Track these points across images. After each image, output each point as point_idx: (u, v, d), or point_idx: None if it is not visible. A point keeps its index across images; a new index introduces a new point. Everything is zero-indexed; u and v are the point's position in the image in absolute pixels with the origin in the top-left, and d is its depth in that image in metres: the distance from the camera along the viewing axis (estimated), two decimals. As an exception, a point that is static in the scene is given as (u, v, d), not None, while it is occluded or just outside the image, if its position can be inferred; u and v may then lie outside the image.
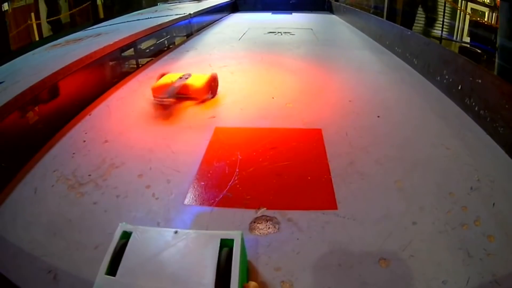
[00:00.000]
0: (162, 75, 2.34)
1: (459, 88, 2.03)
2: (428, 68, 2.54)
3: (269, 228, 1.15)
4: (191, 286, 0.78)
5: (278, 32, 4.64)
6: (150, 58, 3.45)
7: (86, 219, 1.21)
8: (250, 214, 1.20)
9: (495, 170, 1.43)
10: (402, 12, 4.24)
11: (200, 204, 1.27)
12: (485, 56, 2.87)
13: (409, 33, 3.06)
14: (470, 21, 3.40)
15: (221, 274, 0.80)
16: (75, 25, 5.28)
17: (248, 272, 0.97)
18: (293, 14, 6.86)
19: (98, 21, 4.75)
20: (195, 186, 1.36)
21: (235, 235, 0.88)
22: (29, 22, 5.13)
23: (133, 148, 1.64)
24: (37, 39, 5.17)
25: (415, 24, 3.91)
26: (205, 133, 1.78)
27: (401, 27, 3.37)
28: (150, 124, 1.91)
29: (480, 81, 1.82)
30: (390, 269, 0.99)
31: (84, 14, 5.56)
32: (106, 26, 3.90)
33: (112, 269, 0.82)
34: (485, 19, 3.26)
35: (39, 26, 5.31)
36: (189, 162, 1.52)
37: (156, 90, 2.16)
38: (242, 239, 0.89)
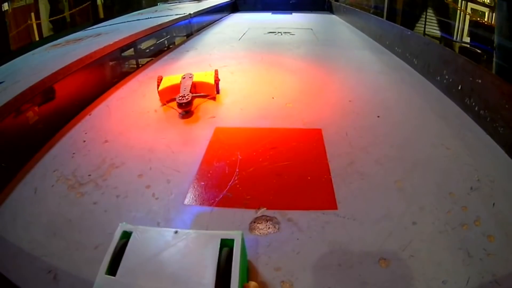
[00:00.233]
0: (161, 78, 2.25)
1: (459, 88, 2.03)
2: (428, 68, 2.54)
3: (269, 228, 1.15)
4: (191, 286, 0.78)
5: (278, 32, 4.64)
6: (150, 58, 3.45)
7: (86, 219, 1.21)
8: (250, 214, 1.20)
9: (495, 170, 1.43)
10: (402, 12, 4.24)
11: (200, 204, 1.27)
12: (485, 56, 2.88)
13: (409, 33, 3.06)
14: (470, 21, 3.41)
15: (221, 274, 0.80)
16: (75, 25, 5.29)
17: (248, 272, 0.97)
18: (293, 14, 6.86)
19: (98, 21, 4.75)
20: (195, 186, 1.36)
21: (235, 235, 0.88)
22: (29, 22, 5.14)
23: (133, 148, 1.64)
24: (37, 39, 5.18)
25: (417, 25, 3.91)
26: (205, 133, 1.78)
27: (401, 27, 3.37)
28: (150, 124, 1.91)
29: (480, 81, 1.82)
30: (390, 269, 0.99)
31: (84, 14, 5.56)
32: (106, 26, 3.90)
33: (112, 269, 0.82)
34: (485, 19, 3.26)
35: (39, 26, 5.31)
36: (189, 162, 1.52)
37: (165, 94, 2.10)
38: (243, 239, 0.89)
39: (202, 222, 1.18)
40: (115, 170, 1.48)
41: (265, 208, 1.22)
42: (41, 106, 1.75)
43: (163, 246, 0.86)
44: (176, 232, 0.89)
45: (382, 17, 4.42)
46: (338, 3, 6.93)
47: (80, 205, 1.28)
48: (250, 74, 2.79)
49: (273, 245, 1.08)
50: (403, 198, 1.28)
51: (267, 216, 1.19)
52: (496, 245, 1.06)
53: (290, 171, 1.44)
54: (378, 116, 1.93)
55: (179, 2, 6.91)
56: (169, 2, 7.16)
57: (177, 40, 4.41)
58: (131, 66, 3.29)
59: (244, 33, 4.61)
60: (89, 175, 1.45)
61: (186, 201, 1.28)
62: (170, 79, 2.22)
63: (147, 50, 3.73)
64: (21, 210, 1.26)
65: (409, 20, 4.03)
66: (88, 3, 5.35)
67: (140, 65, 3.26)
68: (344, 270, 0.99)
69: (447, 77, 2.22)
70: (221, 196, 1.29)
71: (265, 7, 7.48)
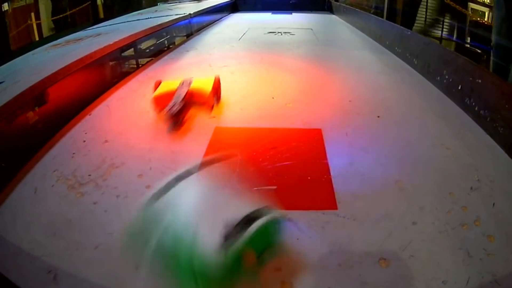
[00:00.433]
0: (159, 83, 2.06)
1: (459, 88, 2.04)
2: (428, 68, 2.54)
3: (269, 228, 1.14)
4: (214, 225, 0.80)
5: (278, 32, 4.64)
6: (150, 58, 3.45)
7: (86, 219, 1.21)
8: (250, 214, 1.20)
9: (495, 170, 1.43)
10: (402, 12, 4.25)
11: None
12: (485, 56, 2.88)
13: (409, 33, 3.06)
14: (470, 21, 3.41)
15: (238, 229, 0.80)
16: (75, 25, 5.29)
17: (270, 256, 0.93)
18: (293, 14, 6.86)
19: (98, 21, 4.76)
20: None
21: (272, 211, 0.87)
22: (29, 22, 5.14)
23: (133, 148, 1.64)
24: (37, 39, 5.18)
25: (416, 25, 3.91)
26: (205, 133, 1.78)
27: (401, 27, 3.37)
28: (150, 124, 1.91)
29: (480, 81, 1.83)
30: (390, 269, 0.99)
31: (83, 14, 5.56)
32: (106, 26, 3.90)
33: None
34: (485, 19, 3.26)
35: (39, 26, 5.31)
36: (189, 162, 1.52)
37: (158, 101, 1.88)
38: (279, 221, 0.88)
39: (202, 222, 1.18)
40: (115, 170, 1.48)
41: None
42: (41, 106, 1.75)
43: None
44: None
45: (382, 17, 4.42)
46: (338, 3, 6.93)
47: (80, 205, 1.28)
48: (250, 74, 2.78)
49: (273, 245, 1.08)
50: (403, 198, 1.28)
51: (267, 216, 1.19)
52: (496, 245, 1.06)
53: (290, 171, 1.44)
54: (378, 116, 1.93)
55: (179, 2, 6.91)
56: (169, 2, 7.17)
57: (177, 40, 4.41)
58: (131, 66, 3.29)
59: (244, 33, 4.61)
60: (89, 175, 1.44)
61: (186, 201, 1.28)
62: (168, 85, 2.00)
63: (147, 50, 3.73)
64: (21, 210, 1.26)
65: (409, 20, 4.03)
66: (88, 3, 5.35)
67: (140, 65, 3.26)
68: (344, 270, 0.99)
69: (447, 77, 2.22)
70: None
71: (265, 7, 7.48)
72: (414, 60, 2.81)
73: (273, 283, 0.95)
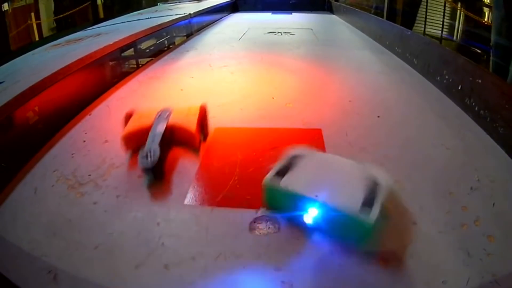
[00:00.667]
0: (130, 114, 1.59)
1: (459, 88, 2.04)
2: (428, 68, 2.54)
3: (269, 228, 1.14)
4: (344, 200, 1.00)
5: (278, 32, 4.64)
6: (150, 58, 3.45)
7: (86, 219, 1.21)
8: (250, 214, 1.20)
9: (495, 170, 1.42)
10: (402, 12, 4.25)
11: (200, 204, 1.27)
12: (485, 56, 2.88)
13: (409, 33, 3.06)
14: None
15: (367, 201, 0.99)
16: (75, 25, 5.29)
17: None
18: (293, 14, 6.86)
19: (98, 21, 4.76)
20: (195, 186, 1.36)
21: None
22: (29, 22, 5.14)
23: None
24: (37, 39, 5.18)
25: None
26: (205, 133, 1.77)
27: (401, 27, 3.37)
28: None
29: (480, 81, 1.83)
30: (390, 269, 0.99)
31: (83, 14, 5.56)
32: (106, 26, 3.90)
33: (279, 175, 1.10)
34: (485, 19, 3.26)
35: (39, 26, 5.31)
36: (189, 162, 1.52)
37: (129, 141, 1.48)
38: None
39: (202, 222, 1.18)
40: (115, 170, 1.48)
41: (265, 208, 1.22)
42: (41, 106, 1.75)
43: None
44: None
45: (382, 17, 4.42)
46: (338, 3, 6.93)
47: (80, 205, 1.28)
48: (250, 74, 2.79)
49: (273, 245, 1.08)
50: (403, 198, 1.27)
51: (267, 216, 1.19)
52: (496, 245, 1.06)
53: (290, 171, 1.44)
54: (378, 116, 1.93)
55: (179, 2, 6.91)
56: (169, 2, 7.17)
57: (177, 40, 4.41)
58: (131, 66, 3.30)
59: (244, 33, 4.61)
60: (89, 175, 1.44)
61: (186, 201, 1.28)
62: (141, 117, 1.56)
63: (147, 50, 3.73)
64: (21, 210, 1.26)
65: (409, 20, 4.04)
66: (88, 3, 5.36)
67: (140, 65, 3.27)
68: (344, 270, 0.99)
69: (447, 77, 2.22)
70: (221, 196, 1.29)
71: (265, 7, 7.48)
72: (414, 60, 2.81)
73: (273, 283, 0.95)
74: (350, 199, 1.00)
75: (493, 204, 1.23)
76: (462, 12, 3.67)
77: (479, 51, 3.19)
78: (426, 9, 3.99)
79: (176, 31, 4.34)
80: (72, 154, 1.62)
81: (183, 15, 4.40)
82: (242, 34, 4.52)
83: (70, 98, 2.02)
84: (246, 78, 2.66)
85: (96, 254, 1.05)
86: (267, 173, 1.16)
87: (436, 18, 3.97)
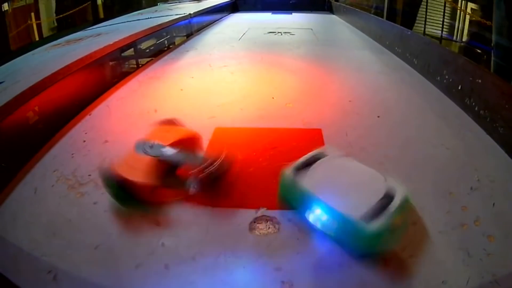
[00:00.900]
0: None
1: (459, 88, 2.03)
2: (428, 68, 2.54)
3: (269, 228, 1.15)
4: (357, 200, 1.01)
5: (278, 32, 4.64)
6: (150, 58, 3.45)
7: (86, 219, 1.21)
8: (250, 214, 1.20)
9: (495, 170, 1.42)
10: (402, 12, 4.25)
11: (200, 204, 1.27)
12: (485, 56, 2.88)
13: (409, 33, 3.06)
14: (470, 21, 3.41)
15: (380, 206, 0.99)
16: (75, 25, 5.29)
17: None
18: (293, 14, 6.86)
19: (98, 21, 4.76)
20: (195, 186, 1.36)
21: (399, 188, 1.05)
22: (29, 22, 5.14)
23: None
24: (37, 39, 5.18)
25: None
26: (205, 133, 1.77)
27: (401, 27, 3.37)
28: (150, 124, 1.91)
29: (480, 81, 1.83)
30: (390, 269, 0.99)
31: (83, 14, 5.56)
32: (106, 26, 3.91)
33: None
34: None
35: (39, 26, 5.32)
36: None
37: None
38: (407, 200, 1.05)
39: (202, 222, 1.18)
40: (115, 170, 1.48)
41: (265, 208, 1.22)
42: (41, 106, 1.75)
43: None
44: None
45: (382, 17, 4.42)
46: (338, 3, 6.93)
47: (80, 205, 1.28)
48: (250, 74, 2.79)
49: (273, 245, 1.08)
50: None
51: (267, 216, 1.19)
52: (496, 245, 1.06)
53: (290, 171, 1.44)
54: (378, 116, 1.93)
55: (179, 2, 6.91)
56: (169, 2, 7.17)
57: (177, 40, 4.41)
58: (131, 66, 3.30)
59: (244, 33, 4.61)
60: (89, 175, 1.44)
61: (186, 201, 1.28)
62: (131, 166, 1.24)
63: (147, 50, 3.73)
64: (21, 210, 1.26)
65: (409, 20, 4.04)
66: (88, 3, 5.36)
67: (140, 65, 3.27)
68: (344, 270, 0.99)
69: (447, 77, 2.22)
70: (221, 196, 1.29)
71: (265, 7, 7.48)
72: (414, 60, 2.81)
73: (273, 283, 0.95)
74: (356, 205, 0.99)
75: (493, 204, 1.23)
76: (462, 12, 3.67)
77: (479, 51, 3.19)
78: (426, 9, 4.00)
79: (176, 31, 4.34)
80: (72, 154, 1.62)
81: (183, 15, 4.40)
82: (242, 34, 4.52)
83: (70, 98, 2.02)
84: (246, 78, 2.66)
85: (96, 254, 1.05)
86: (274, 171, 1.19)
87: (436, 18, 3.97)
